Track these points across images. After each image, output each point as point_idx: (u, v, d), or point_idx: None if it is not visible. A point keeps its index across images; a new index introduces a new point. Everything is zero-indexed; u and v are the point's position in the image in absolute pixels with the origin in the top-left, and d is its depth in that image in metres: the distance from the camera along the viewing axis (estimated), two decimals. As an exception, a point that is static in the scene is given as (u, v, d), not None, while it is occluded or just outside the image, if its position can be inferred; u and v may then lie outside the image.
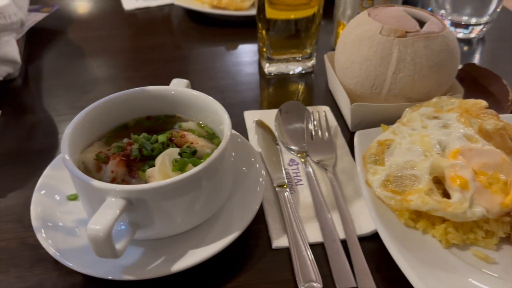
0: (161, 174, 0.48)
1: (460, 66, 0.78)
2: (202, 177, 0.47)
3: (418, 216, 0.52)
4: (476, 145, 0.52)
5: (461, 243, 0.50)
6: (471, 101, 0.58)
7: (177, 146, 0.53)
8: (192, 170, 0.46)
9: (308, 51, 0.82)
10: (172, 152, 0.50)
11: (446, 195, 0.51)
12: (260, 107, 0.76)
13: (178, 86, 0.62)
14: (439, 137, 0.54)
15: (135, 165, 0.52)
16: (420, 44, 0.60)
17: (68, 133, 0.51)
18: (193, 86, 0.80)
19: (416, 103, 0.62)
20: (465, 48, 0.92)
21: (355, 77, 0.65)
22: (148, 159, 0.52)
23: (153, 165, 0.50)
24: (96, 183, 0.45)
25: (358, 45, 0.63)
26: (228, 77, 0.83)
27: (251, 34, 0.83)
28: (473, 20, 0.91)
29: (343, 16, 0.82)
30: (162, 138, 0.53)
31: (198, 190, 0.48)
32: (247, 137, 0.68)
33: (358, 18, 0.67)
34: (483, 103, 0.57)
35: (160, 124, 0.60)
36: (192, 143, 0.54)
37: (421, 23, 0.64)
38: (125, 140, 0.55)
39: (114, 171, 0.51)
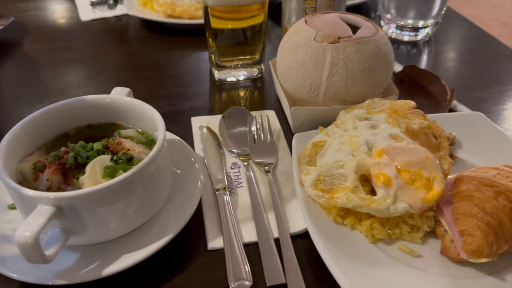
0: (91, 180, 0.49)
1: (400, 68, 0.81)
2: (132, 183, 0.48)
3: (346, 213, 0.54)
4: (400, 144, 0.54)
5: (387, 238, 0.52)
6: (401, 102, 0.61)
7: (113, 153, 0.55)
8: (120, 176, 0.47)
9: (257, 57, 0.84)
10: (104, 159, 0.51)
11: (375, 192, 0.53)
12: (209, 113, 0.77)
13: (119, 94, 0.63)
14: (367, 137, 0.56)
15: (71, 173, 0.53)
16: (351, 49, 0.63)
17: (3, 144, 0.52)
18: (144, 93, 0.82)
19: (351, 106, 0.64)
20: (413, 50, 0.95)
21: (293, 82, 0.67)
22: (83, 166, 0.53)
23: (88, 172, 0.51)
24: (25, 191, 0.46)
25: (295, 51, 0.66)
26: (179, 85, 0.84)
27: (204, 42, 0.84)
28: (421, 23, 0.94)
29: (289, 23, 0.84)
30: (97, 146, 0.54)
31: (129, 195, 0.49)
32: (193, 143, 0.69)
33: (295, 26, 0.69)
34: (411, 103, 0.60)
35: (101, 132, 0.61)
36: (128, 149, 0.55)
37: (356, 29, 0.67)
38: (63, 148, 0.56)
39: (49, 180, 0.52)
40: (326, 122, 0.65)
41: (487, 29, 3.75)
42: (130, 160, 0.54)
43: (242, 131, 0.69)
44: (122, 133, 0.59)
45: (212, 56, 0.82)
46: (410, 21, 0.94)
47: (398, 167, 0.52)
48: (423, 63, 0.92)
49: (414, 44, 0.96)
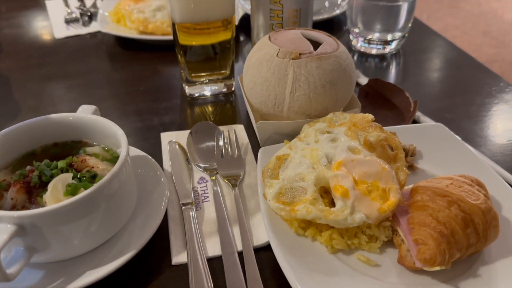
0: (53, 198, 0.50)
1: (366, 81, 0.83)
2: (93, 200, 0.49)
3: (308, 225, 0.55)
4: (358, 156, 0.56)
5: (346, 248, 0.53)
6: (360, 115, 0.62)
7: (77, 171, 0.55)
8: (80, 194, 0.48)
9: (227, 72, 0.85)
10: (66, 177, 0.52)
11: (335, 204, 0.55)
12: (179, 128, 0.78)
13: (85, 112, 0.64)
14: (327, 150, 0.58)
15: (35, 192, 0.54)
16: (312, 64, 0.64)
17: (-34, 166, 0.53)
18: (114, 110, 0.83)
19: (315, 119, 0.66)
20: (382, 63, 0.98)
21: (259, 97, 0.68)
22: (47, 185, 0.54)
23: (52, 191, 0.52)
24: (-14, 211, 0.47)
25: (259, 67, 0.67)
26: (150, 100, 0.85)
27: (176, 58, 0.86)
28: (388, 36, 0.96)
29: (257, 39, 0.86)
30: (61, 164, 0.55)
31: (92, 212, 0.50)
32: (161, 158, 0.70)
33: (260, 42, 0.71)
34: (370, 116, 0.62)
35: (67, 150, 0.61)
36: (92, 167, 0.56)
37: (318, 45, 0.69)
38: (28, 167, 0.56)
39: (14, 198, 0.53)
40: (292, 135, 0.66)
41: (468, 38, 3.79)
42: (94, 178, 0.55)
43: (209, 145, 0.70)
44: (87, 151, 0.60)
45: (182, 72, 0.84)
46: (377, 35, 0.96)
47: (356, 178, 0.54)
48: (391, 75, 0.94)
49: (382, 57, 0.99)
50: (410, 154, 0.66)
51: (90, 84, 0.90)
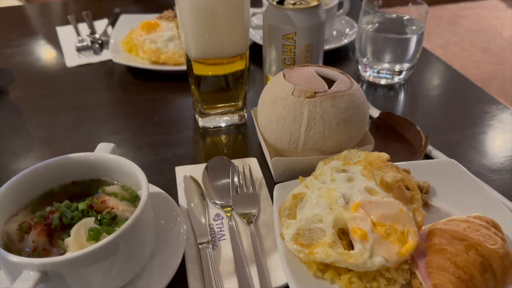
0: (76, 244, 0.50)
1: (377, 114, 0.84)
2: (115, 245, 0.50)
3: (326, 267, 0.55)
4: (375, 198, 0.57)
5: (365, 291, 0.54)
6: (375, 154, 0.63)
7: (98, 212, 0.56)
8: (103, 240, 0.49)
9: (240, 104, 0.86)
10: (88, 222, 0.52)
11: (353, 244, 0.55)
12: (193, 161, 0.79)
13: (104, 151, 0.65)
14: (344, 190, 0.58)
15: (56, 234, 0.54)
16: (327, 103, 0.65)
17: (-12, 208, 0.53)
18: (128, 142, 0.84)
19: (329, 156, 0.67)
20: (390, 93, 0.99)
21: (273, 134, 0.69)
22: (68, 227, 0.54)
23: (73, 234, 0.52)
24: (11, 257, 0.47)
25: (274, 105, 0.68)
26: (163, 132, 0.86)
27: (188, 88, 0.87)
28: (397, 67, 0.97)
29: (269, 72, 0.87)
30: (82, 205, 0.56)
31: (113, 257, 0.50)
32: (177, 193, 0.71)
33: (275, 79, 0.72)
34: (385, 156, 0.62)
35: (85, 188, 0.62)
36: (112, 208, 0.57)
37: (332, 82, 0.70)
38: (48, 208, 0.57)
39: (35, 241, 0.53)
40: (306, 171, 0.67)
41: (467, 54, 3.82)
42: (114, 219, 0.55)
43: (225, 182, 0.71)
44: (106, 190, 0.61)
45: (196, 103, 0.85)
46: (386, 65, 0.97)
47: (374, 221, 0.55)
48: (400, 106, 0.95)
49: (390, 87, 1.00)
50: (424, 191, 0.66)
51: (103, 116, 0.91)
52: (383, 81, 1.00)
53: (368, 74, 1.01)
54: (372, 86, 1.00)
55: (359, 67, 1.02)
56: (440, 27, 4.38)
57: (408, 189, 0.59)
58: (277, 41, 0.82)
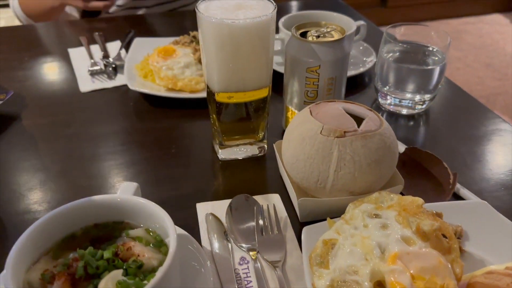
0: (104, 299, 0.48)
1: (402, 150, 0.82)
2: (145, 301, 0.48)
3: (362, 321, 0.53)
4: (413, 248, 0.54)
5: None
6: (409, 198, 0.61)
7: (123, 260, 0.54)
8: (134, 298, 0.46)
9: (260, 135, 0.84)
10: (115, 275, 0.50)
11: (389, 296, 0.53)
12: (214, 196, 0.77)
13: (127, 190, 0.63)
14: (379, 238, 0.56)
15: (81, 285, 0.52)
16: (358, 143, 0.64)
17: (11, 257, 0.51)
18: (147, 175, 0.82)
19: (359, 197, 0.64)
20: (411, 123, 0.97)
21: (300, 173, 0.67)
22: (93, 277, 0.52)
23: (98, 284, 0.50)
24: (36, 314, 0.45)
25: (301, 143, 0.66)
26: (182, 164, 0.84)
27: (205, 115, 0.85)
28: (417, 97, 0.96)
29: (291, 103, 0.85)
30: (107, 254, 0.53)
31: (142, 312, 0.48)
32: (199, 232, 0.69)
33: (301, 115, 0.70)
34: (420, 201, 0.60)
35: (108, 231, 0.60)
36: (138, 255, 0.54)
37: (360, 120, 0.68)
38: (71, 255, 0.54)
39: (59, 292, 0.51)
40: (334, 211, 0.65)
41: (470, 70, 3.82)
42: (140, 267, 0.53)
43: (249, 222, 0.68)
44: (130, 234, 0.59)
45: (215, 134, 0.83)
46: (408, 95, 0.96)
47: (413, 273, 0.52)
48: (422, 138, 0.94)
49: (411, 117, 0.98)
50: (457, 236, 0.64)
51: (119, 146, 0.89)
52: (404, 111, 0.98)
53: (389, 103, 0.99)
54: (392, 116, 0.98)
55: (379, 97, 1.00)
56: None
57: (444, 237, 0.57)
58: (300, 74, 0.80)
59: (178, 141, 0.90)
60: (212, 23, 0.69)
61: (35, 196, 0.77)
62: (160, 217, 0.57)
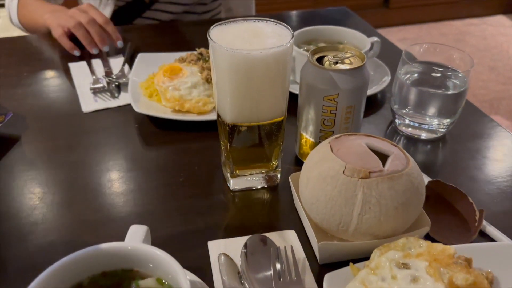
0: None
1: (425, 182, 0.78)
2: None
3: None
4: (447, 306, 0.51)
5: None
6: (439, 246, 0.57)
7: (134, 318, 0.50)
8: None
9: (274, 163, 0.80)
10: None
11: None
12: (225, 231, 0.73)
13: (136, 233, 0.59)
14: (410, 294, 0.52)
15: None
16: (384, 185, 0.59)
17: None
18: (155, 207, 0.77)
19: (384, 241, 0.61)
20: (430, 148, 0.93)
21: (321, 214, 0.63)
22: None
23: None
24: None
25: (322, 183, 0.62)
26: (191, 194, 0.80)
27: (214, 137, 0.81)
28: (437, 122, 0.92)
29: (305, 131, 0.81)
30: (117, 310, 0.49)
31: None
32: (211, 274, 0.65)
33: (320, 151, 0.66)
34: (451, 250, 0.56)
35: (117, 280, 0.56)
36: (150, 313, 0.50)
37: (385, 157, 0.64)
38: (78, 310, 0.51)
39: None
40: (356, 255, 0.62)
41: (474, 74, 3.80)
42: (152, 326, 0.49)
43: (265, 267, 0.64)
44: (140, 285, 0.54)
45: (226, 162, 0.79)
46: (427, 119, 0.92)
47: (448, 336, 0.48)
48: (441, 164, 0.90)
49: (430, 141, 0.94)
50: (488, 282, 0.60)
51: (125, 174, 0.85)
52: (423, 135, 0.94)
53: (406, 127, 0.95)
54: (410, 140, 0.94)
55: (396, 119, 0.96)
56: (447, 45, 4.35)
57: None
58: (317, 102, 0.76)
59: (187, 168, 0.86)
60: (227, 53, 0.65)
61: (38, 231, 0.72)
62: (172, 268, 0.53)
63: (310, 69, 0.76)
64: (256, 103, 0.69)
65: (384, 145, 0.66)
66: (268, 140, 0.76)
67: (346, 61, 0.76)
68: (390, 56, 1.22)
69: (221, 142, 0.79)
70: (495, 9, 4.90)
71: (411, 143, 0.94)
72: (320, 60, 0.78)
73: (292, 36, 0.68)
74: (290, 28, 0.70)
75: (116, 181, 0.83)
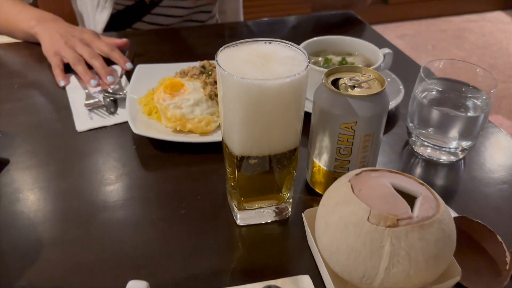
0: None
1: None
2: None
3: None
4: None
5: None
6: (477, 306, 0.51)
7: None
8: None
9: (285, 194, 0.74)
10: None
11: None
12: (232, 278, 0.65)
13: (136, 291, 0.52)
14: None
15: None
16: (414, 235, 0.53)
17: None
18: (153, 245, 0.71)
19: (412, 295, 0.54)
20: (449, 172, 0.87)
21: (341, 265, 0.57)
22: None
23: None
24: None
25: (344, 231, 0.56)
26: (194, 231, 0.73)
27: (218, 160, 0.75)
28: (456, 144, 0.86)
29: (318, 158, 0.75)
30: None
31: None
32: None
33: (340, 191, 0.60)
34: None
35: None
36: None
37: (412, 198, 0.58)
38: None
39: None
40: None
41: (474, 71, 3.75)
42: None
43: (280, 320, 0.58)
44: None
45: (233, 193, 0.72)
46: (447, 142, 0.85)
47: None
48: (463, 191, 0.83)
49: (449, 165, 0.88)
50: None
51: (122, 204, 0.78)
52: (443, 158, 0.87)
53: (424, 149, 0.88)
54: (428, 164, 0.88)
55: (413, 138, 0.90)
56: (446, 41, 4.30)
57: None
58: (332, 129, 0.70)
59: (189, 198, 0.79)
60: (237, 82, 0.58)
61: (27, 276, 0.66)
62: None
63: (325, 94, 0.70)
64: (268, 134, 0.63)
65: (411, 184, 0.60)
66: (279, 169, 0.70)
67: (364, 84, 0.70)
68: (402, 66, 1.15)
69: (227, 170, 0.72)
70: (494, 5, 4.85)
71: (430, 166, 0.88)
72: (335, 82, 0.71)
73: (309, 62, 0.61)
74: (305, 52, 0.63)
75: (112, 214, 0.76)
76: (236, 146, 0.64)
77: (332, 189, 0.62)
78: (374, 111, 0.68)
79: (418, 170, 0.87)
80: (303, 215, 0.69)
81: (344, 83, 0.70)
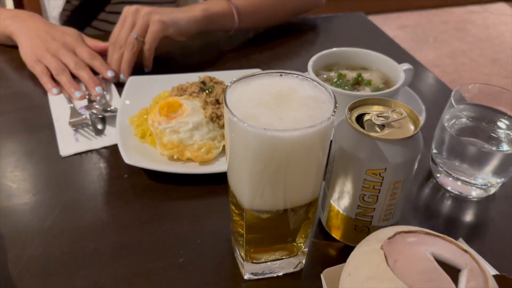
0: None
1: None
2: None
3: None
4: None
5: None
6: None
7: None
8: None
9: (301, 245, 0.64)
10: None
11: None
12: None
13: None
14: None
15: None
16: (464, 327, 0.44)
17: None
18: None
19: None
20: (476, 208, 0.78)
21: None
22: None
23: None
24: None
25: (378, 316, 0.46)
26: (193, 285, 0.64)
27: (221, 193, 0.65)
28: (487, 180, 0.76)
29: (337, 203, 0.65)
30: None
31: None
32: None
33: (371, 261, 0.50)
34: None
35: None
36: None
37: (455, 270, 0.49)
38: None
39: None
40: None
41: (476, 66, 3.64)
42: None
43: None
44: None
45: (238, 239, 0.63)
46: (478, 177, 0.76)
47: None
48: (497, 232, 0.74)
49: (479, 202, 0.79)
50: None
51: (112, 254, 0.68)
52: (472, 194, 0.78)
53: (453, 183, 0.79)
54: (456, 199, 0.79)
55: (440, 170, 0.80)
56: (447, 33, 4.19)
57: None
58: (357, 174, 0.60)
59: (188, 243, 0.70)
60: (248, 131, 0.48)
61: None
62: None
63: (349, 133, 0.60)
64: (283, 189, 0.53)
65: (454, 253, 0.50)
66: (295, 218, 0.60)
67: (395, 124, 0.60)
68: (422, 83, 1.06)
69: (232, 213, 0.63)
70: (497, -4, 4.76)
71: (457, 202, 0.79)
72: (359, 117, 0.61)
73: (335, 106, 0.51)
74: (330, 90, 0.53)
75: (102, 260, 0.66)
76: (245, 200, 0.54)
77: (361, 256, 0.53)
78: (406, 156, 0.58)
79: (445, 208, 0.78)
80: (321, 276, 0.59)
81: (371, 120, 0.60)
